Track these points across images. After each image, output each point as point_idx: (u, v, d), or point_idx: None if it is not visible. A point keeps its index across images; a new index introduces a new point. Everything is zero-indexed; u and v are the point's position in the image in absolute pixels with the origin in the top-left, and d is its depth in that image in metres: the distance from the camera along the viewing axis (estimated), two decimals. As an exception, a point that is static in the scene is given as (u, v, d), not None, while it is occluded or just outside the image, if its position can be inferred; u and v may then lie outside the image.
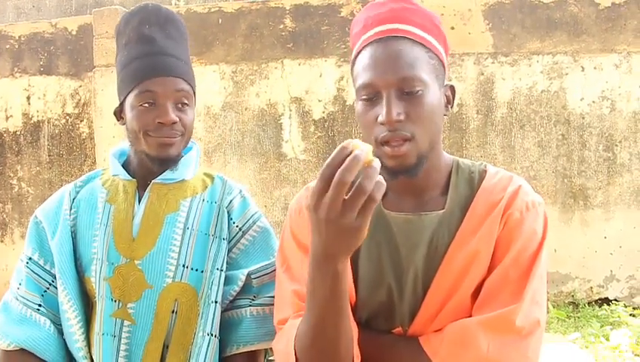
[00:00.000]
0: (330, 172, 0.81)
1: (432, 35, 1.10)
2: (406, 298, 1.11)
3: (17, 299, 1.35)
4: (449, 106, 1.14)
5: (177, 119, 1.31)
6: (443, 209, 1.12)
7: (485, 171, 1.16)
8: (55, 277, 1.35)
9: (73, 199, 1.41)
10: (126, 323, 1.32)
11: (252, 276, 1.36)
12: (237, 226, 1.40)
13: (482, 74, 4.34)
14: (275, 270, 1.26)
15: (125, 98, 1.34)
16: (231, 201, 1.41)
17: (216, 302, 1.31)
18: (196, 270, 1.34)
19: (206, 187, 1.43)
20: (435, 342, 1.06)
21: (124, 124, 1.38)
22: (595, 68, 4.27)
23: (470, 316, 1.07)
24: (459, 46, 4.28)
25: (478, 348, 1.01)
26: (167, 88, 1.31)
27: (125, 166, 1.42)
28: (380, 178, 0.82)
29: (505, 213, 1.09)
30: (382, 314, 1.13)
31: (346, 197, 0.81)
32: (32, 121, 4.84)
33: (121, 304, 1.31)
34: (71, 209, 1.39)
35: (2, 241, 4.82)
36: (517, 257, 1.07)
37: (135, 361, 1.32)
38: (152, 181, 1.37)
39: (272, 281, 1.29)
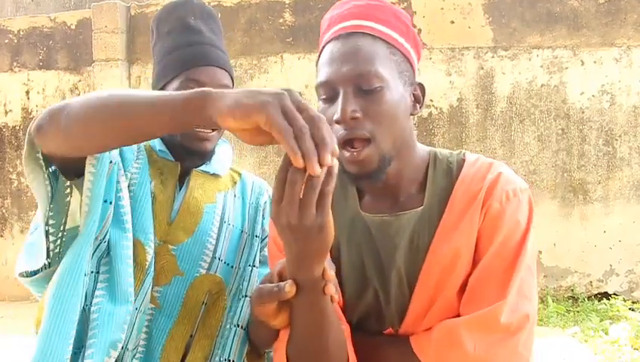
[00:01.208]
0: (284, 175, 0.80)
1: (396, 32, 1.06)
2: (392, 299, 1.08)
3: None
4: (417, 105, 1.08)
5: None
6: (421, 206, 1.08)
7: (463, 160, 1.12)
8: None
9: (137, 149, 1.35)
10: (150, 305, 1.28)
11: None
12: (268, 228, 1.41)
13: (482, 68, 4.33)
14: None
15: (166, 85, 1.31)
16: (265, 203, 1.43)
17: (246, 296, 1.31)
18: (227, 264, 1.34)
19: (235, 183, 1.45)
20: (424, 342, 1.04)
21: None
22: (594, 62, 4.27)
23: (459, 313, 1.05)
24: (459, 40, 4.28)
25: (464, 349, 1.00)
26: (214, 80, 1.29)
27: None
28: (334, 168, 0.80)
29: (485, 204, 1.04)
30: (372, 316, 1.11)
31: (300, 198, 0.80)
32: (31, 116, 4.84)
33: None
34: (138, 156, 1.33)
35: (2, 236, 4.82)
36: (500, 250, 1.03)
37: (156, 346, 1.28)
38: (193, 169, 1.36)
39: None
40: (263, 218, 1.42)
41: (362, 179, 1.05)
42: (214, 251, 1.33)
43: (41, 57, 4.80)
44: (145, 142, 1.38)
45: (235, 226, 1.38)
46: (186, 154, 1.33)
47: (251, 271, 1.34)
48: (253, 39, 4.49)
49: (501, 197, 1.04)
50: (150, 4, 4.67)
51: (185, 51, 1.31)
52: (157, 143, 1.37)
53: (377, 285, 1.09)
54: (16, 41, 4.85)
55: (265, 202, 1.43)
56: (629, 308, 3.91)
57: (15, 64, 4.86)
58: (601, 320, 3.75)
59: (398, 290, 1.08)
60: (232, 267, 1.35)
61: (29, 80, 4.84)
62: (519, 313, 1.01)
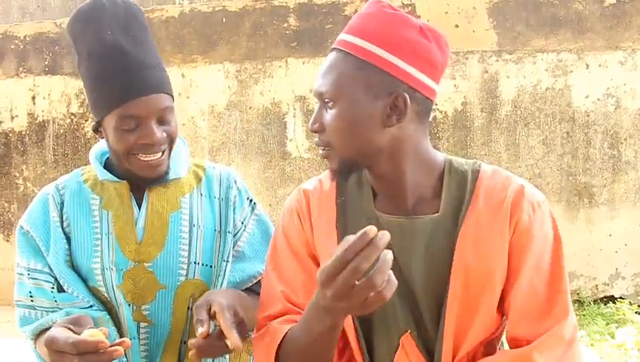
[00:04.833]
0: (348, 256, 0.83)
1: (377, 44, 1.06)
2: (410, 304, 1.10)
3: (36, 309, 1.31)
4: (394, 117, 1.06)
5: (164, 135, 1.26)
6: (437, 212, 1.10)
7: (479, 171, 1.13)
8: (55, 278, 1.31)
9: (61, 203, 1.35)
10: (142, 324, 1.31)
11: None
12: (240, 221, 1.41)
13: (487, 72, 4.33)
14: None
15: (104, 118, 1.26)
16: (235, 196, 1.41)
17: None
18: (206, 265, 1.35)
19: (199, 179, 1.41)
20: None
21: (102, 137, 1.32)
22: (599, 65, 4.26)
23: (507, 330, 1.09)
24: (463, 44, 4.28)
25: None
26: (151, 109, 1.23)
27: (109, 166, 1.38)
28: (391, 275, 0.84)
29: (513, 216, 1.07)
30: (383, 317, 1.12)
31: (357, 283, 0.83)
32: (37, 121, 4.86)
33: (135, 307, 1.30)
34: (62, 216, 1.33)
35: (8, 241, 4.85)
36: (536, 265, 1.06)
37: (155, 360, 1.31)
38: (149, 183, 1.33)
39: None
40: (234, 212, 1.39)
41: (336, 174, 1.13)
42: (189, 257, 1.33)
43: (47, 63, 4.83)
44: (81, 177, 1.39)
45: (207, 227, 1.36)
46: (140, 179, 1.31)
47: (226, 266, 1.34)
48: (257, 44, 4.50)
49: (529, 210, 1.08)
50: (155, 10, 4.69)
51: (112, 83, 1.22)
52: (100, 173, 1.35)
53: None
54: (22, 46, 4.88)
55: (235, 196, 1.40)
56: (635, 312, 3.89)
57: (21, 69, 4.89)
58: (607, 324, 3.74)
59: (424, 300, 1.09)
60: (212, 267, 1.35)
61: (35, 85, 4.87)
62: (573, 324, 1.06)
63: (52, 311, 1.30)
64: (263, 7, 4.49)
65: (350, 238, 0.84)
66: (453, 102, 4.35)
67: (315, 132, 1.11)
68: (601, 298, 4.28)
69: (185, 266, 1.32)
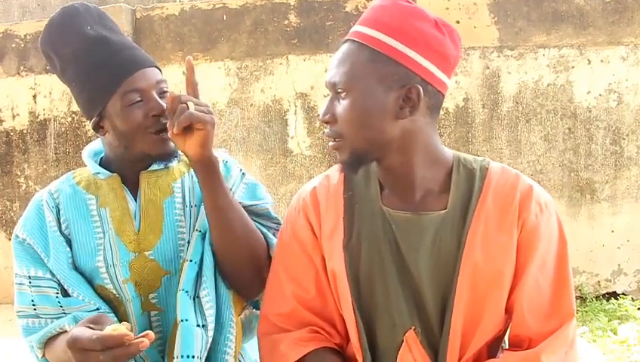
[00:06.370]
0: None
1: (392, 36, 1.06)
2: (416, 300, 1.09)
3: (40, 317, 1.30)
4: (406, 109, 1.07)
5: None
6: (444, 209, 1.10)
7: (487, 168, 1.13)
8: (59, 283, 1.31)
9: (56, 208, 1.35)
10: (153, 313, 1.32)
11: (248, 207, 1.39)
12: (229, 187, 1.40)
13: (488, 68, 4.32)
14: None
15: (105, 107, 1.27)
16: (221, 168, 1.40)
17: (190, 261, 1.30)
18: None
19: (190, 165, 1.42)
20: None
21: (104, 134, 1.32)
22: (601, 61, 4.25)
23: (510, 328, 1.10)
24: (464, 40, 4.24)
25: None
26: (150, 80, 1.28)
27: (103, 164, 1.39)
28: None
29: (520, 216, 1.07)
30: (385, 311, 1.12)
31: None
32: (38, 120, 4.86)
33: (143, 297, 1.31)
34: (59, 220, 1.34)
35: (10, 239, 4.85)
36: (541, 266, 1.07)
37: (166, 347, 1.31)
38: (141, 172, 1.35)
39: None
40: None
41: (346, 166, 1.12)
42: (188, 238, 1.33)
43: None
44: (73, 180, 1.40)
45: (198, 205, 1.37)
46: (152, 161, 1.33)
47: (196, 236, 1.33)
48: (258, 41, 4.50)
49: (536, 211, 1.09)
50: (155, 7, 4.68)
51: (107, 67, 1.25)
52: (92, 168, 1.37)
53: (396, 279, 1.10)
54: (22, 45, 4.88)
55: (222, 168, 1.40)
56: (638, 308, 3.89)
57: (22, 68, 4.89)
58: (610, 320, 3.74)
59: (430, 296, 1.09)
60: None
61: (35, 84, 4.87)
62: (575, 325, 1.07)
63: (57, 318, 1.29)
64: (264, 4, 4.48)
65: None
66: (455, 98, 4.34)
67: (327, 123, 1.11)
68: (604, 294, 4.28)
69: (185, 249, 1.33)
